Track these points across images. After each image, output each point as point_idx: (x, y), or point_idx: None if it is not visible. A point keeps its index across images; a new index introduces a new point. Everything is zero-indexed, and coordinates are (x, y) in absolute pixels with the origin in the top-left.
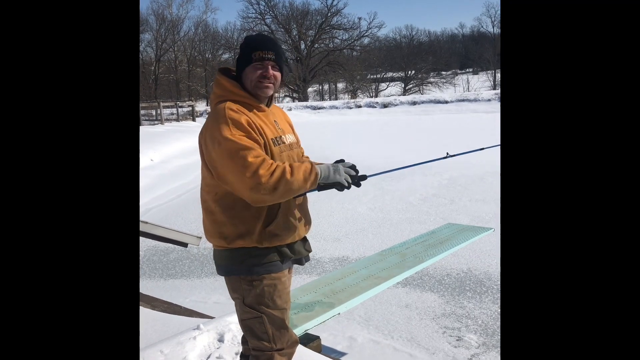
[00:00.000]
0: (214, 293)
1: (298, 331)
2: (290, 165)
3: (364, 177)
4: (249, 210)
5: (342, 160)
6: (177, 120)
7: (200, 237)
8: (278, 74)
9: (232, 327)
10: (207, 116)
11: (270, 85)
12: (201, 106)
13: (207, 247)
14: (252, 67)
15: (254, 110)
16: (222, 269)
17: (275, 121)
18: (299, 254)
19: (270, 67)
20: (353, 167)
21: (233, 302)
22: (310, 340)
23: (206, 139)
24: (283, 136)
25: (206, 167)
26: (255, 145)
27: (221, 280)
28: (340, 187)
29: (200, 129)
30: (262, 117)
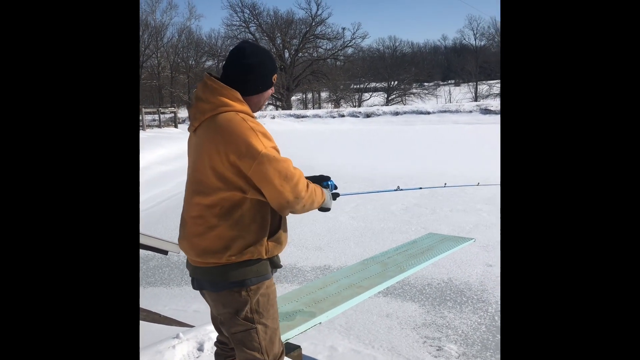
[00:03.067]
0: (194, 301)
1: None
2: (314, 186)
3: (337, 195)
4: (255, 222)
5: (326, 177)
6: (159, 126)
7: None
8: None
9: (212, 336)
10: (207, 127)
11: None
12: (183, 113)
13: None
14: (270, 90)
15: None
16: (217, 286)
17: None
18: (279, 261)
19: None
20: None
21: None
22: (291, 350)
23: (229, 154)
24: None
25: (220, 181)
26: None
27: None
28: (326, 210)
29: (186, 138)
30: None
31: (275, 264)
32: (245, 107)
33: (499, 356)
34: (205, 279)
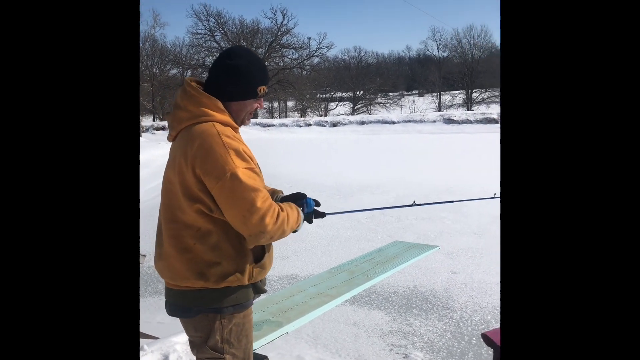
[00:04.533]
0: (158, 313)
1: None
2: (287, 213)
3: (323, 215)
4: (234, 249)
5: (302, 196)
6: None
7: (145, 255)
8: None
9: (177, 348)
10: (181, 137)
11: None
12: (147, 121)
13: (150, 265)
14: (254, 102)
15: (233, 129)
16: (191, 312)
17: None
18: (264, 285)
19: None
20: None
21: (178, 321)
22: None
23: (196, 168)
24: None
25: (187, 196)
26: (260, 182)
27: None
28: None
29: (166, 149)
30: (241, 139)
31: (259, 290)
32: (226, 118)
33: None
34: (178, 303)
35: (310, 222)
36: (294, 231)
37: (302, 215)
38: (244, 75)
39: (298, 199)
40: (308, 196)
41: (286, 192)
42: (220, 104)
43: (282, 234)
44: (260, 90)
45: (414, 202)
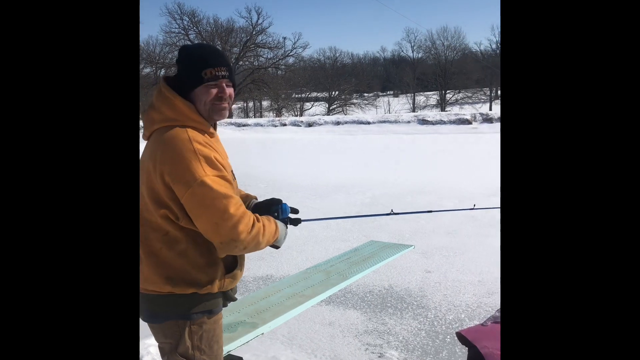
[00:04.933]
0: None
1: None
2: (263, 224)
3: (298, 221)
4: (204, 258)
5: (277, 201)
6: None
7: None
8: (232, 91)
9: (152, 350)
10: (153, 139)
11: (227, 105)
12: None
13: None
14: (205, 88)
15: (206, 135)
16: (158, 317)
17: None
18: (234, 294)
19: (225, 84)
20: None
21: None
22: None
23: (164, 174)
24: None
25: (153, 200)
26: (232, 190)
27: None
28: (275, 248)
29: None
30: (216, 145)
31: (229, 298)
32: (199, 123)
33: None
34: (144, 308)
35: (295, 224)
36: (276, 247)
37: (281, 230)
38: (184, 62)
39: (273, 204)
40: (284, 202)
41: (261, 192)
42: (194, 108)
43: (257, 246)
44: (205, 74)
45: (391, 210)
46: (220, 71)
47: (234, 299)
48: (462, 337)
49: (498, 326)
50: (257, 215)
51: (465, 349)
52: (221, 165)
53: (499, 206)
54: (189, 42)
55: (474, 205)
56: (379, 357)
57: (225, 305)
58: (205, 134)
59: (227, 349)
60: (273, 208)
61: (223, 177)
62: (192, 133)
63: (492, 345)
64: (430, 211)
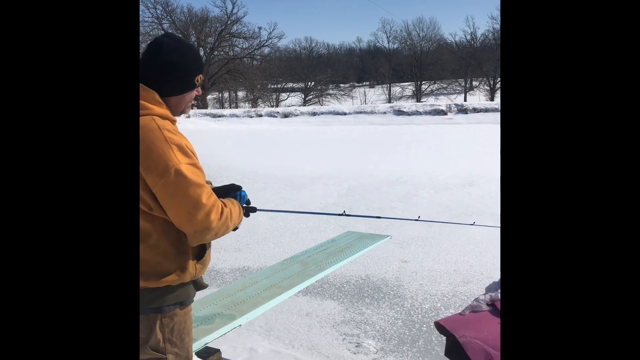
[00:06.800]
0: None
1: (198, 345)
2: (230, 209)
3: (254, 210)
4: (174, 247)
5: (237, 187)
6: None
7: None
8: None
9: None
10: None
11: None
12: None
13: None
14: (193, 92)
15: (172, 122)
16: None
17: None
18: (204, 281)
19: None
20: (247, 202)
21: None
22: (210, 354)
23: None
24: None
25: None
26: (202, 178)
27: None
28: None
29: None
30: (182, 134)
31: (199, 285)
32: (164, 111)
33: (415, 350)
34: None
35: (247, 215)
36: (235, 228)
37: (242, 211)
38: (180, 70)
39: (231, 190)
40: (243, 188)
41: (238, 184)
42: (157, 96)
43: (226, 230)
44: (197, 80)
45: (344, 212)
46: (203, 76)
47: (205, 285)
48: (440, 327)
49: (476, 315)
50: (223, 200)
51: (442, 338)
52: (191, 152)
53: (499, 225)
54: (162, 32)
55: (474, 222)
56: (357, 346)
57: (197, 291)
58: (171, 122)
59: (204, 340)
60: (231, 194)
61: (195, 165)
62: (159, 122)
63: (470, 335)
64: (379, 217)
